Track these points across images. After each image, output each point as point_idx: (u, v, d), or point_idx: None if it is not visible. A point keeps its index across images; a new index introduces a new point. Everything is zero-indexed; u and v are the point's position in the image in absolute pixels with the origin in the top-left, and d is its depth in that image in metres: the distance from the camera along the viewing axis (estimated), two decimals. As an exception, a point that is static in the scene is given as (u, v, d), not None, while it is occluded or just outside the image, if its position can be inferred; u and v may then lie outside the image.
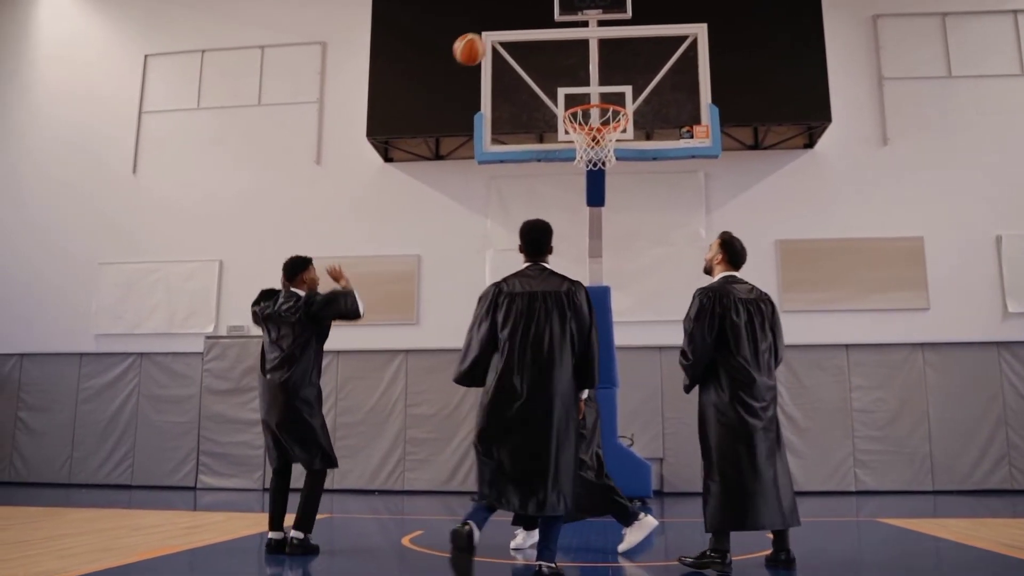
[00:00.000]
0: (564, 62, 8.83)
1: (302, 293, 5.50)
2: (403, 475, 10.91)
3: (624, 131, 8.14)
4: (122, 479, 11.44)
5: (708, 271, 5.00)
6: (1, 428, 11.89)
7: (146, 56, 12.86)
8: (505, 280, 4.45)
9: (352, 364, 11.11)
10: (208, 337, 11.62)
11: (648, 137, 9.98)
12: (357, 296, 5.46)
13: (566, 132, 8.27)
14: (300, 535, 5.11)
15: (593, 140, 7.96)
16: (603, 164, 8.07)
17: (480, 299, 4.45)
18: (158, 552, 5.15)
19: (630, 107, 8.35)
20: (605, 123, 8.06)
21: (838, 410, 10.48)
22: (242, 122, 12.46)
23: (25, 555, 4.88)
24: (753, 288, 4.83)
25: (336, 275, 5.58)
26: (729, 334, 4.61)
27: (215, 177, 12.32)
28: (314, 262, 5.67)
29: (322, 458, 5.29)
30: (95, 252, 12.28)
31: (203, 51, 12.71)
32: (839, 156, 11.39)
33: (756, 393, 4.56)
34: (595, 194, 8.55)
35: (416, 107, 11.22)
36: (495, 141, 8.73)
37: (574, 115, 8.14)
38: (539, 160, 8.64)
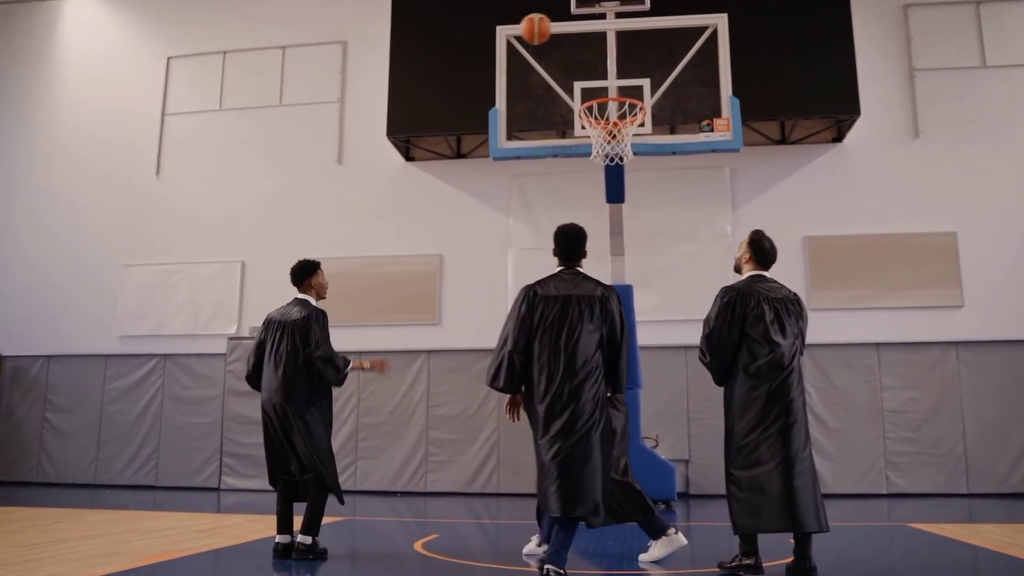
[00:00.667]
0: (581, 56, 8.71)
1: (311, 299, 5.47)
2: (425, 476, 10.82)
3: (642, 125, 7.98)
4: (147, 480, 11.49)
5: (738, 270, 4.95)
6: (29, 429, 12.01)
7: (169, 58, 12.93)
8: (539, 283, 4.47)
9: (374, 365, 11.00)
10: (231, 338, 11.63)
11: (672, 131, 9.80)
12: (346, 375, 5.31)
13: (583, 127, 8.13)
14: (307, 540, 5.04)
15: (610, 135, 7.80)
16: (621, 159, 7.92)
17: (514, 301, 4.47)
18: (164, 557, 5.10)
19: (648, 100, 8.18)
20: (622, 117, 7.89)
21: (869, 410, 10.19)
22: (264, 123, 12.48)
23: (31, 558, 4.85)
24: (782, 287, 4.75)
25: (379, 368, 5.63)
26: (753, 333, 4.53)
27: (237, 178, 12.35)
28: (323, 265, 5.63)
29: (331, 491, 5.18)
30: (119, 254, 12.37)
31: (225, 52, 12.75)
32: (869, 150, 11.09)
33: (783, 391, 4.45)
34: (614, 190, 8.40)
35: (437, 105, 11.14)
36: (513, 138, 8.61)
37: (590, 109, 7.98)
38: (555, 156, 8.52)
